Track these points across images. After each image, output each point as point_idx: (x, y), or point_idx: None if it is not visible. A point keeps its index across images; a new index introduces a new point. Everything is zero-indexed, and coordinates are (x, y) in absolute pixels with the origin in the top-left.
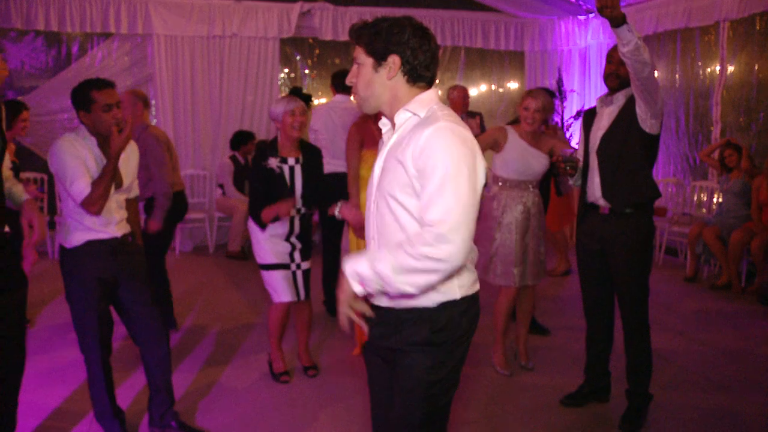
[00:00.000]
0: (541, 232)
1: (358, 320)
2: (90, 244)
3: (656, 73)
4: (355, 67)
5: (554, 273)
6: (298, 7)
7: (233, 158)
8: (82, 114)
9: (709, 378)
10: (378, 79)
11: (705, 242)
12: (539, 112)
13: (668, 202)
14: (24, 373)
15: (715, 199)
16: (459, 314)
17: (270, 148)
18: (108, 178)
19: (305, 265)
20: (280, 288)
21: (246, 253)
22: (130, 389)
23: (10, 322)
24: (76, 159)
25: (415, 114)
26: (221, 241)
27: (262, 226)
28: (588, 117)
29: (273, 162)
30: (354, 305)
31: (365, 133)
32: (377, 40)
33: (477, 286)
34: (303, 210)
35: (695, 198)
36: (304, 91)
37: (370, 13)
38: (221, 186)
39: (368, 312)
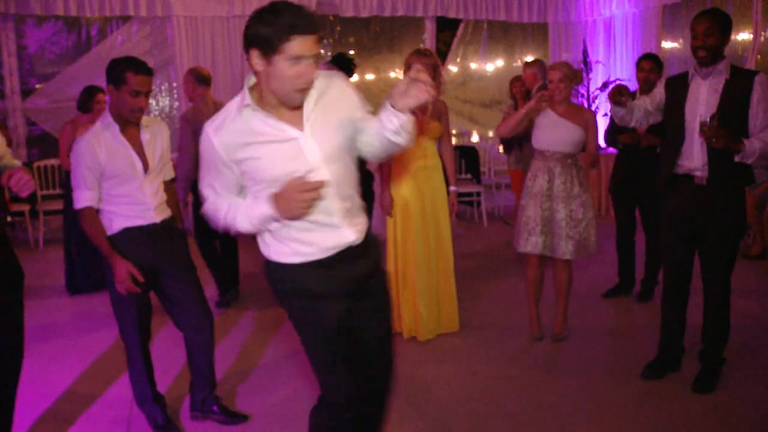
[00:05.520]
0: (580, 207)
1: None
2: (128, 231)
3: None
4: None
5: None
6: None
7: None
8: (110, 88)
9: None
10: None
11: None
12: (563, 82)
13: None
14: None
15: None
16: None
17: None
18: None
19: None
20: None
21: None
22: (167, 374)
23: (10, 315)
24: (85, 168)
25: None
26: None
27: None
28: (676, 84)
29: None
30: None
31: None
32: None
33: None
34: None
35: None
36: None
37: None
38: None
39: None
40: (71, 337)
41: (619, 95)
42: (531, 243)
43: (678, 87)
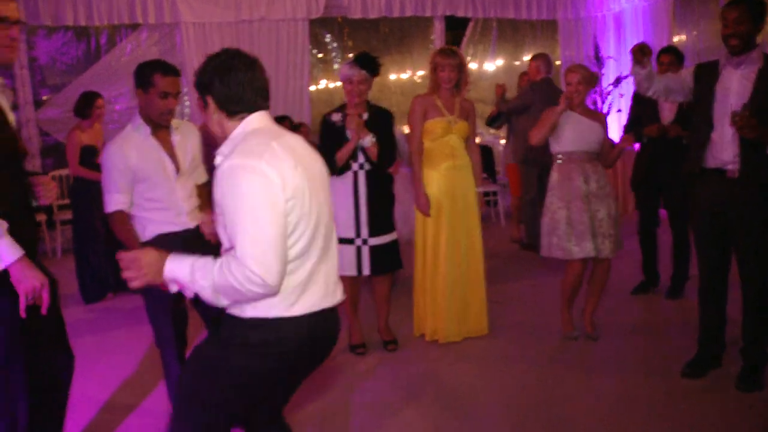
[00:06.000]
0: (611, 205)
1: None
2: (162, 237)
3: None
4: None
5: None
6: None
7: None
8: (139, 92)
9: None
10: (211, 117)
11: None
12: (581, 84)
13: None
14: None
15: None
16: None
17: (340, 106)
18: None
19: (375, 240)
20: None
21: None
22: None
23: (50, 321)
24: (115, 172)
25: (221, 155)
26: None
27: (338, 171)
28: (706, 72)
29: (335, 116)
30: None
31: (428, 104)
32: (197, 83)
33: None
34: (366, 166)
35: None
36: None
37: None
38: None
39: None
40: (97, 346)
41: (641, 54)
42: (585, 249)
43: (708, 75)
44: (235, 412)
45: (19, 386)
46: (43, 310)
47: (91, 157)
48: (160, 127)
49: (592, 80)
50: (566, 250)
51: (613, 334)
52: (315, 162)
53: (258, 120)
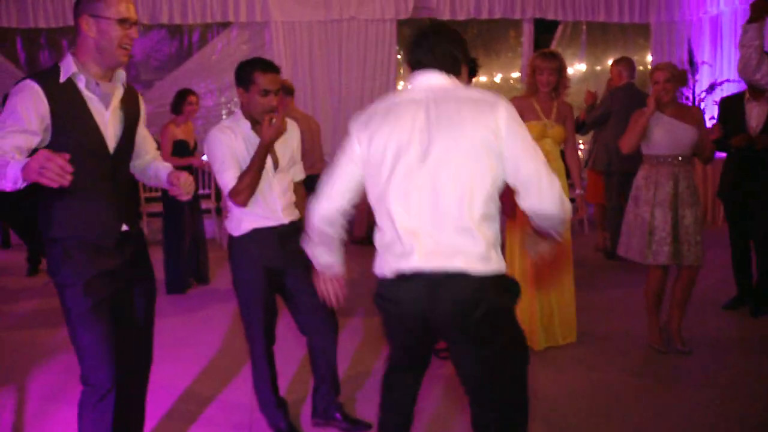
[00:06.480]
0: (698, 211)
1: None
2: (257, 232)
3: None
4: None
5: None
6: None
7: None
8: (240, 91)
9: None
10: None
11: None
12: (670, 83)
13: None
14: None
15: None
16: None
17: None
18: (255, 170)
19: None
20: None
21: (371, 237)
22: (282, 377)
23: (142, 314)
24: (225, 148)
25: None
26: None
27: None
28: None
29: None
30: None
31: (525, 106)
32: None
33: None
34: None
35: None
36: None
37: None
38: None
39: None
40: (178, 337)
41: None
42: (663, 254)
43: None
44: None
45: None
46: (63, 166)
47: (183, 151)
48: (258, 124)
49: (681, 78)
50: (643, 255)
51: (704, 348)
52: None
53: None
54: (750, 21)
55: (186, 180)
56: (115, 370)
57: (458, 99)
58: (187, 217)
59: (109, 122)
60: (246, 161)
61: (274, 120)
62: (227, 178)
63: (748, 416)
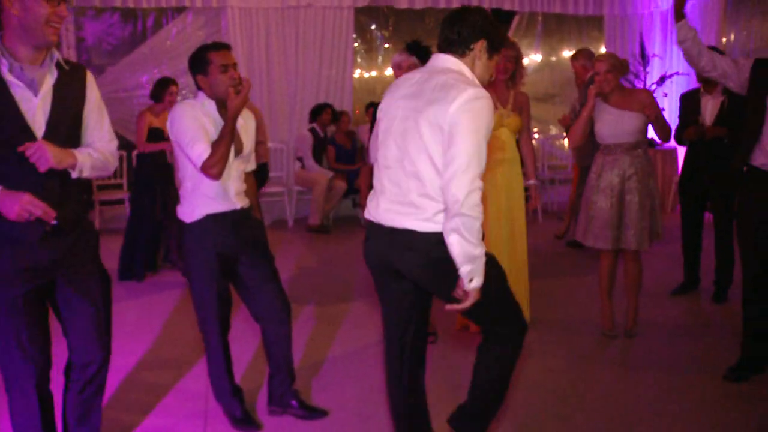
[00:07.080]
0: (648, 197)
1: None
2: (210, 218)
3: None
4: None
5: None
6: None
7: (312, 130)
8: (199, 78)
9: None
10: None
11: None
12: (610, 73)
13: None
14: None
15: None
16: None
17: None
18: (227, 140)
19: None
20: None
21: (328, 226)
22: (238, 364)
23: (84, 309)
24: (195, 122)
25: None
26: (300, 215)
27: None
28: (766, 68)
29: None
30: None
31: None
32: (477, 31)
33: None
34: None
35: None
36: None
37: None
38: (300, 159)
39: None
40: (131, 326)
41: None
42: (603, 238)
43: (763, 75)
44: None
45: None
46: (45, 217)
47: (157, 139)
48: (223, 107)
49: (621, 67)
50: (587, 239)
51: (652, 333)
52: None
53: None
54: (677, 21)
55: (32, 151)
56: (36, 364)
57: (437, 82)
58: (157, 205)
59: (38, 109)
60: (213, 139)
61: (239, 89)
62: (199, 150)
63: (689, 390)
